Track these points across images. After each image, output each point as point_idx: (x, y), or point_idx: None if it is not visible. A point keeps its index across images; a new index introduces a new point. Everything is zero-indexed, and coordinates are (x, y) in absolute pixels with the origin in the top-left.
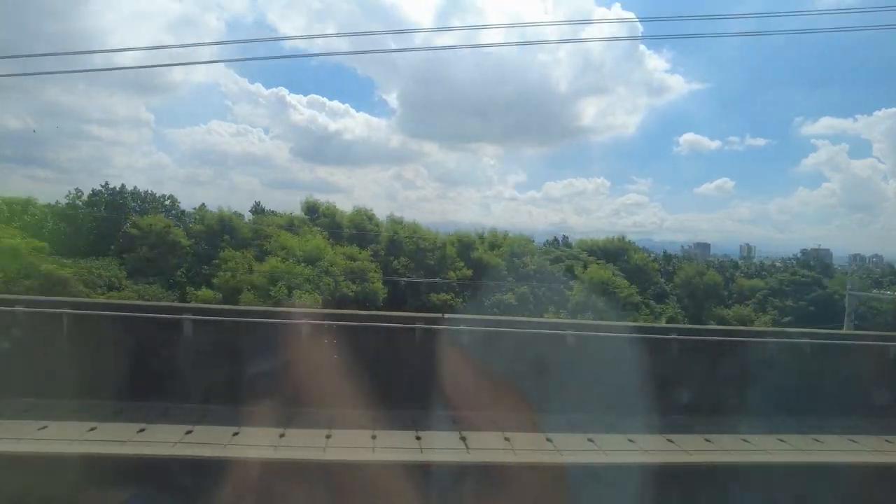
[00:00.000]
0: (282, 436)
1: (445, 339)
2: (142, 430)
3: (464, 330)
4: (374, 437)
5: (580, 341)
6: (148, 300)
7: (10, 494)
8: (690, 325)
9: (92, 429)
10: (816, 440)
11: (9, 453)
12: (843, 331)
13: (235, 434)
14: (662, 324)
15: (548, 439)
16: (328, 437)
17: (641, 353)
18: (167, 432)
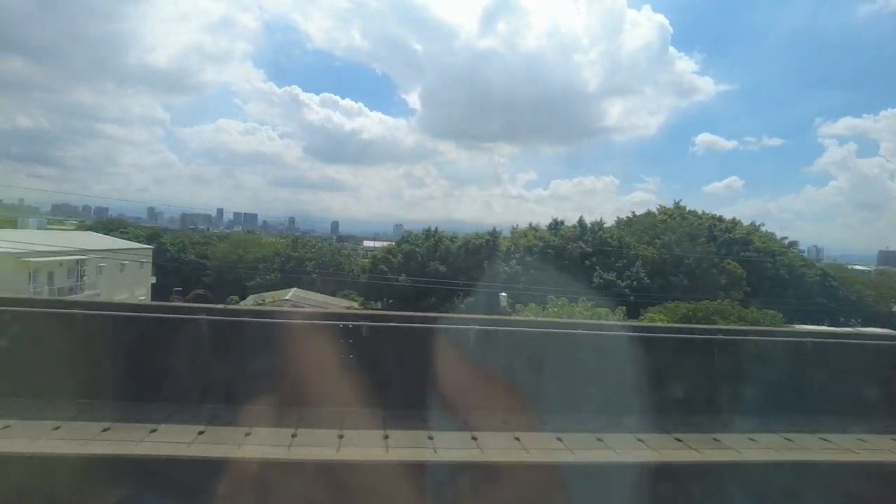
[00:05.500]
0: (294, 436)
1: (446, 338)
2: (153, 431)
3: (464, 329)
4: (385, 437)
5: (575, 339)
6: None
7: (12, 494)
8: (683, 325)
9: (106, 429)
10: (806, 437)
11: (13, 453)
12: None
13: (247, 434)
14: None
15: (557, 438)
16: (340, 436)
17: (636, 352)
18: (176, 433)
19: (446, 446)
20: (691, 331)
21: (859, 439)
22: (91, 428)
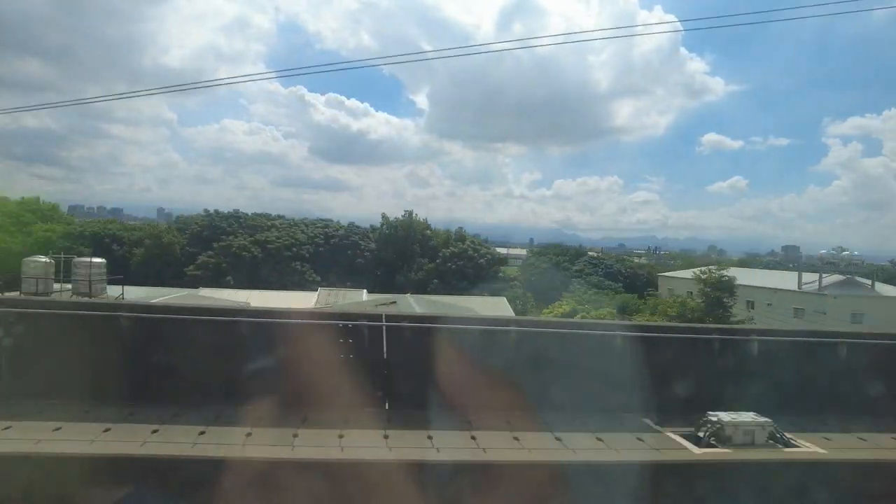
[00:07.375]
0: (295, 436)
1: (445, 339)
2: (155, 431)
3: (463, 329)
4: (385, 437)
5: (576, 340)
6: None
7: (19, 492)
8: (684, 325)
9: (106, 430)
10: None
11: (19, 453)
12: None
13: (248, 434)
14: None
15: (556, 438)
16: (340, 436)
17: (638, 352)
18: (179, 433)
19: (443, 446)
20: (691, 331)
21: (859, 438)
22: (92, 429)
